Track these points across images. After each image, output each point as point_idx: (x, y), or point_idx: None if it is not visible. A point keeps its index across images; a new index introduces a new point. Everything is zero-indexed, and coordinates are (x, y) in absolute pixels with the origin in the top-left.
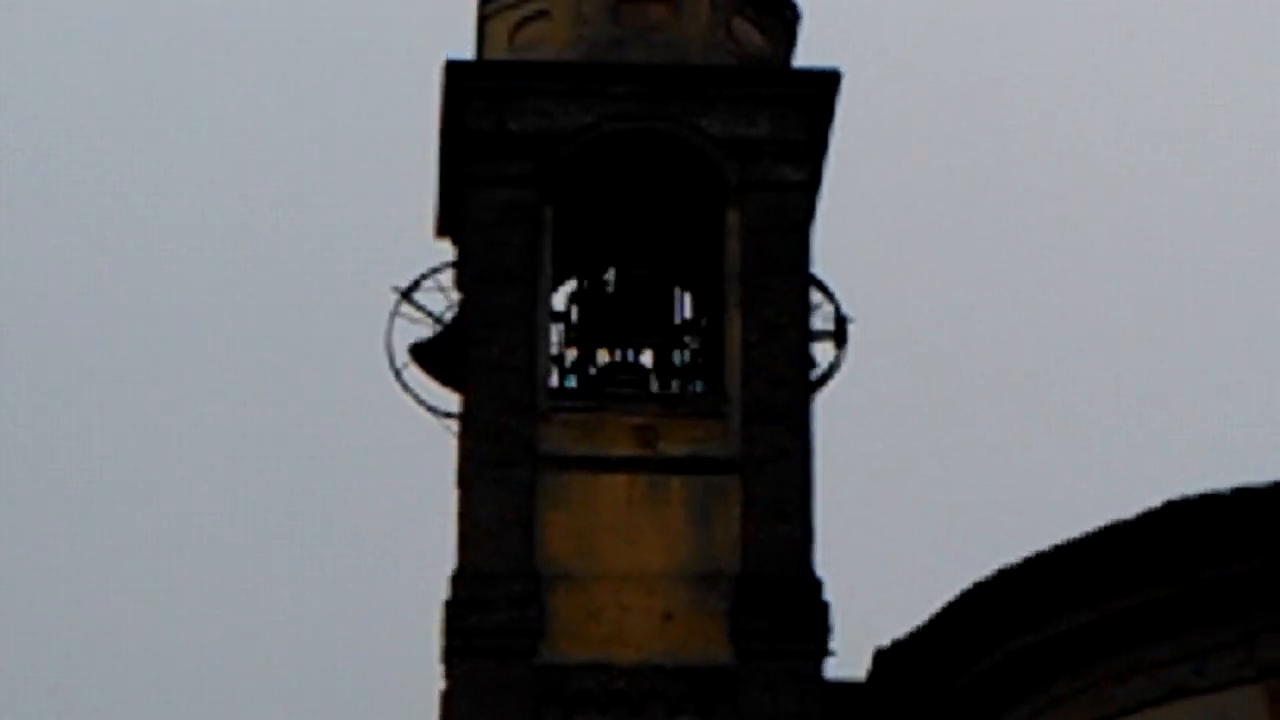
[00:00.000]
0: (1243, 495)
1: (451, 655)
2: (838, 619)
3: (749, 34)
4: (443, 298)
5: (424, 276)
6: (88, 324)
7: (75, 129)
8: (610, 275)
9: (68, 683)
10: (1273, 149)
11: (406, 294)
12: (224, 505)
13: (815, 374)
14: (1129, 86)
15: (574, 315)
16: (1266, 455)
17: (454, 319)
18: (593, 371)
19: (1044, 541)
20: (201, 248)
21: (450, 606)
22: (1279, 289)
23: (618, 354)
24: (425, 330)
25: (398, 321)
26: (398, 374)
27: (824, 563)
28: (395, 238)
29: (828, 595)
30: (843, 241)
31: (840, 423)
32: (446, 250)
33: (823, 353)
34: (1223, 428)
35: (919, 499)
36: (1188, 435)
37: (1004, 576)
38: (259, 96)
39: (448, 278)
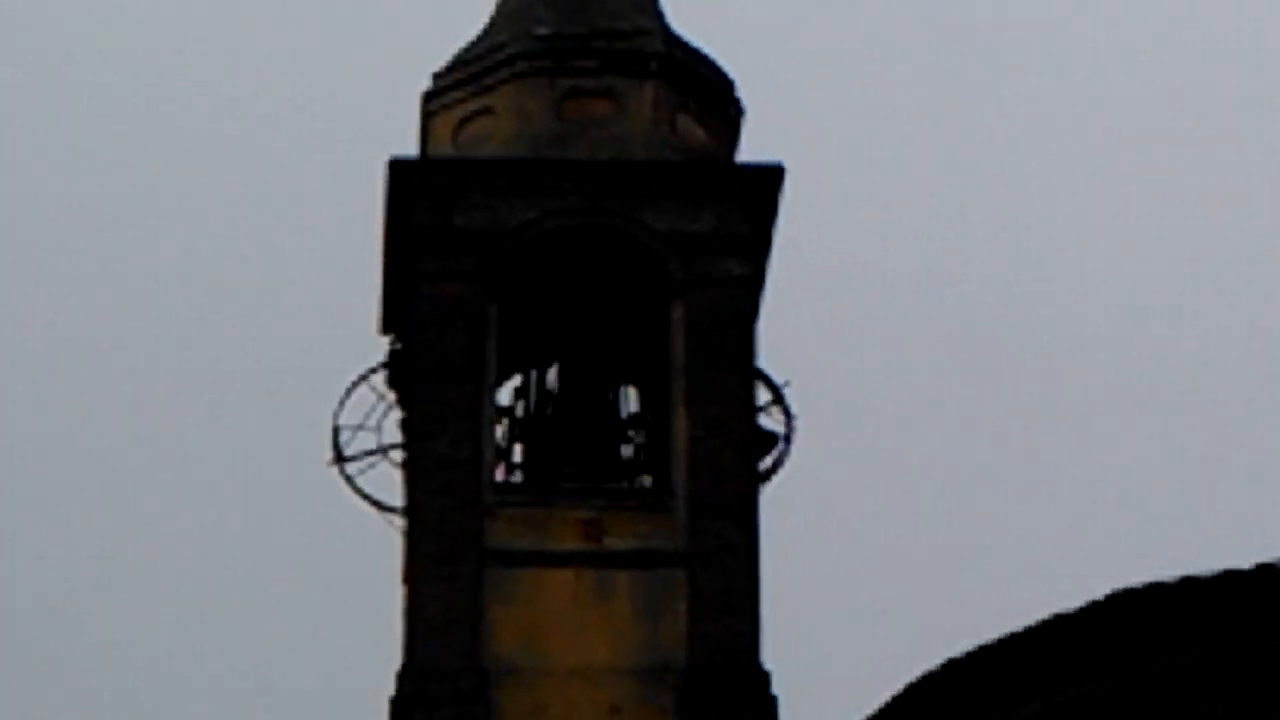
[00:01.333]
0: (1189, 585)
1: None
2: (786, 712)
3: (692, 129)
4: (375, 425)
5: (355, 384)
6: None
7: None
8: (555, 370)
9: None
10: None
11: (339, 458)
12: (175, 605)
13: (762, 467)
14: (1087, 175)
15: (519, 410)
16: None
17: (400, 423)
18: (538, 467)
19: (992, 633)
20: (145, 352)
21: (396, 703)
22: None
23: (563, 450)
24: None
25: (345, 429)
26: (347, 477)
27: (772, 655)
28: (341, 335)
29: (776, 688)
30: (788, 335)
31: (788, 515)
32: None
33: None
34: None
35: (867, 591)
36: (1135, 528)
37: (951, 668)
38: (199, 197)
39: (364, 396)
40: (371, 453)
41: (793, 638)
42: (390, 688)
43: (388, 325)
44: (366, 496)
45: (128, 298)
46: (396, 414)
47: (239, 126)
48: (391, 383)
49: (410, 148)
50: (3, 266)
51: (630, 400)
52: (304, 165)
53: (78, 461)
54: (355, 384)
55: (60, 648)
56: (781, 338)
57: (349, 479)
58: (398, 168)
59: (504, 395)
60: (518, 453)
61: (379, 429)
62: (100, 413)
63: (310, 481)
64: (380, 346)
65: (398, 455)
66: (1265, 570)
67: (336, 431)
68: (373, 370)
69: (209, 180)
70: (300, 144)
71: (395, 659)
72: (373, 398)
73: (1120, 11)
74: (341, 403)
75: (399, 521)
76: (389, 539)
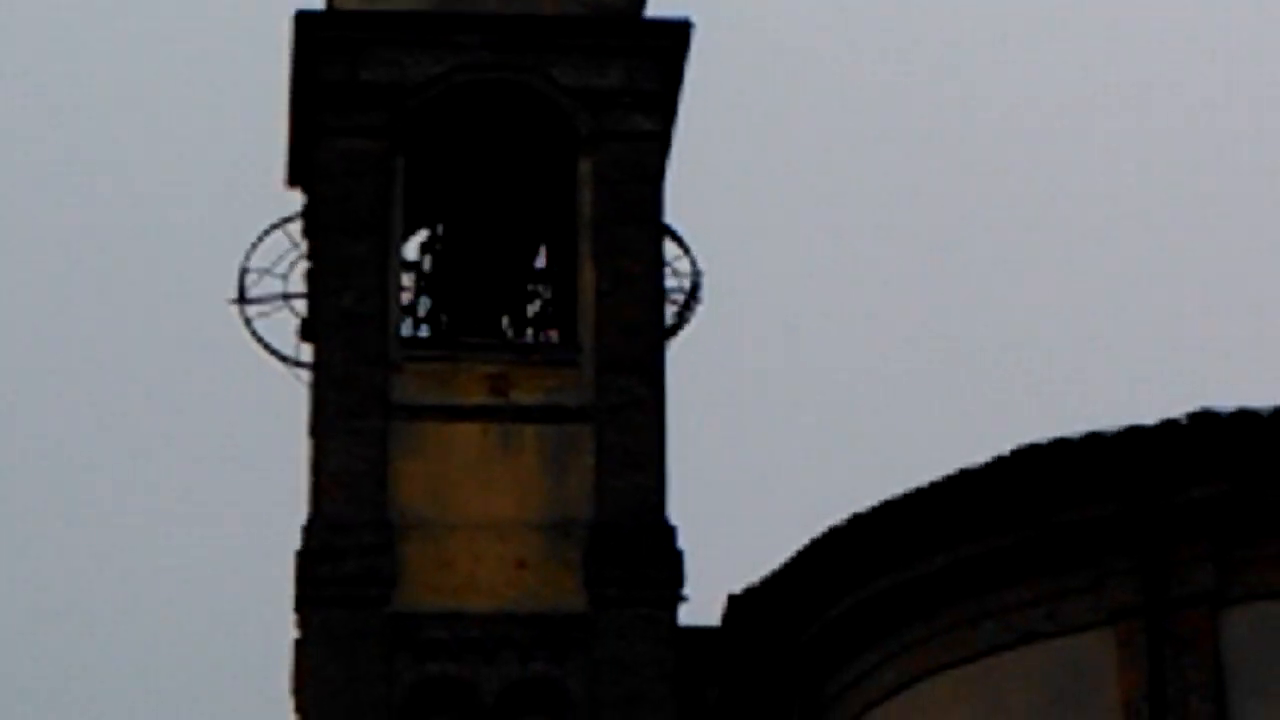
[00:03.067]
0: (1093, 440)
1: (304, 604)
2: (690, 566)
3: None
4: (283, 273)
5: (266, 233)
6: None
7: None
8: (462, 225)
9: None
10: None
11: (241, 299)
12: (91, 458)
13: (668, 322)
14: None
15: (426, 265)
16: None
17: (306, 274)
18: (445, 321)
19: (896, 488)
20: (62, 216)
21: (302, 556)
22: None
23: (470, 303)
24: (278, 286)
25: (252, 280)
26: (252, 330)
27: (677, 510)
28: (249, 188)
29: (681, 543)
30: (696, 194)
31: (694, 372)
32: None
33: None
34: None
35: (772, 447)
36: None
37: (856, 522)
38: (111, 56)
39: (277, 243)
40: (274, 298)
41: (698, 493)
42: (296, 541)
43: (294, 178)
44: (269, 347)
45: (44, 140)
46: (304, 265)
47: None
48: (306, 233)
49: (319, 1)
50: None
51: (538, 255)
52: (213, 15)
53: None
54: (267, 231)
55: None
56: (689, 193)
57: (252, 329)
58: (304, 20)
59: (411, 250)
60: (424, 307)
61: (285, 277)
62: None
63: (218, 331)
64: (291, 200)
65: (301, 306)
66: (1168, 426)
67: (243, 274)
68: (287, 220)
69: (123, 26)
70: None
71: (301, 512)
72: (284, 247)
73: None
74: (253, 247)
75: (305, 375)
76: (296, 393)
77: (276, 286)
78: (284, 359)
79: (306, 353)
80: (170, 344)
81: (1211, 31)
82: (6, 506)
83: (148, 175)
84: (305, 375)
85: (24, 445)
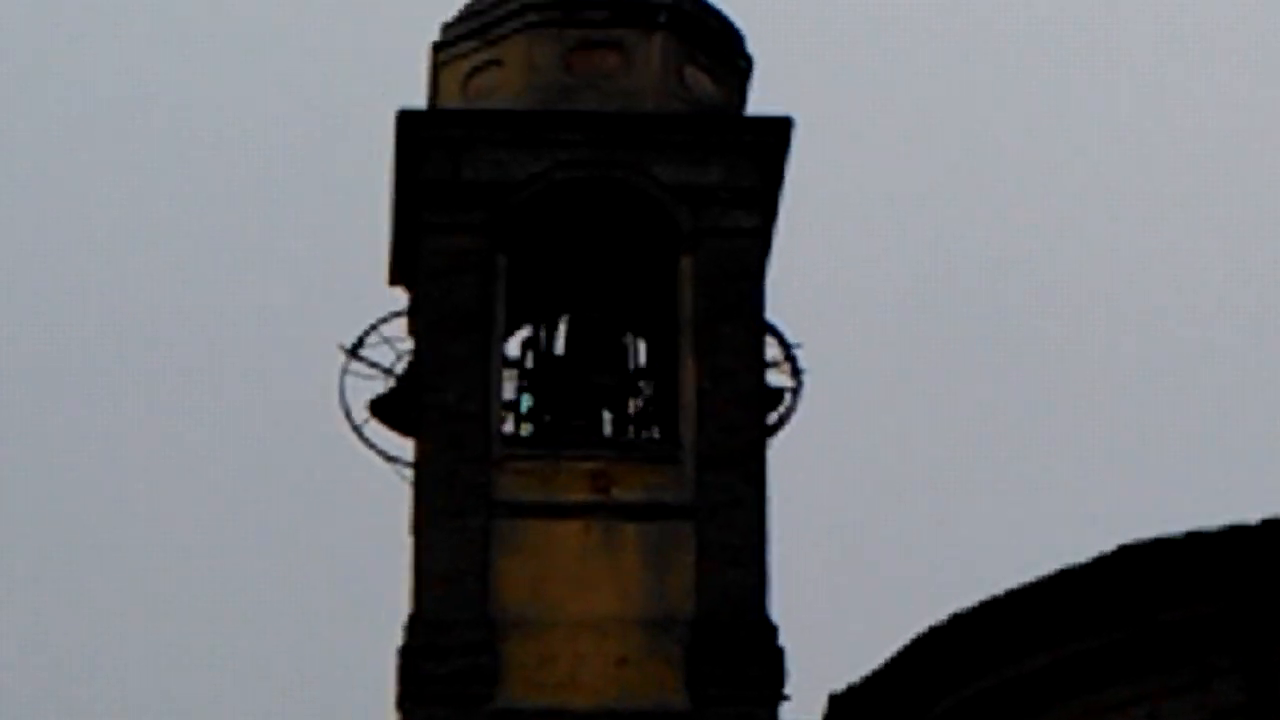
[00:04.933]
0: (1195, 539)
1: (407, 701)
2: (793, 664)
3: (701, 81)
4: (391, 350)
5: (370, 330)
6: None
7: None
8: (564, 322)
9: None
10: None
11: (354, 350)
12: (189, 561)
13: (769, 420)
14: (1091, 137)
15: (528, 362)
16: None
17: (407, 368)
18: (547, 419)
19: (999, 586)
20: (164, 299)
21: (405, 653)
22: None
23: (572, 401)
24: (379, 385)
25: (351, 378)
26: (354, 426)
27: (779, 607)
28: (349, 287)
29: (783, 640)
30: (797, 288)
31: (795, 468)
32: (400, 299)
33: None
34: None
35: (875, 544)
36: (1151, 480)
37: (958, 621)
38: (215, 149)
39: (398, 327)
40: (379, 366)
41: (800, 591)
42: (399, 638)
43: (398, 276)
44: (378, 450)
45: (155, 250)
46: (407, 360)
47: (254, 78)
48: (410, 330)
49: (421, 99)
50: None
51: (639, 352)
52: (317, 116)
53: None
54: (374, 326)
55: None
56: (791, 290)
57: (355, 427)
58: (406, 119)
59: (513, 347)
60: (526, 404)
61: (400, 358)
62: (122, 362)
63: (322, 438)
64: (394, 299)
65: (390, 387)
66: (1270, 525)
67: (369, 330)
68: (395, 314)
69: (232, 131)
70: (313, 94)
71: (404, 610)
72: (396, 339)
73: None
74: (359, 340)
75: (408, 473)
76: (399, 491)
77: (380, 385)
78: (388, 458)
79: (410, 451)
80: (273, 442)
81: None
82: (111, 606)
83: (252, 272)
84: (408, 474)
85: (123, 530)
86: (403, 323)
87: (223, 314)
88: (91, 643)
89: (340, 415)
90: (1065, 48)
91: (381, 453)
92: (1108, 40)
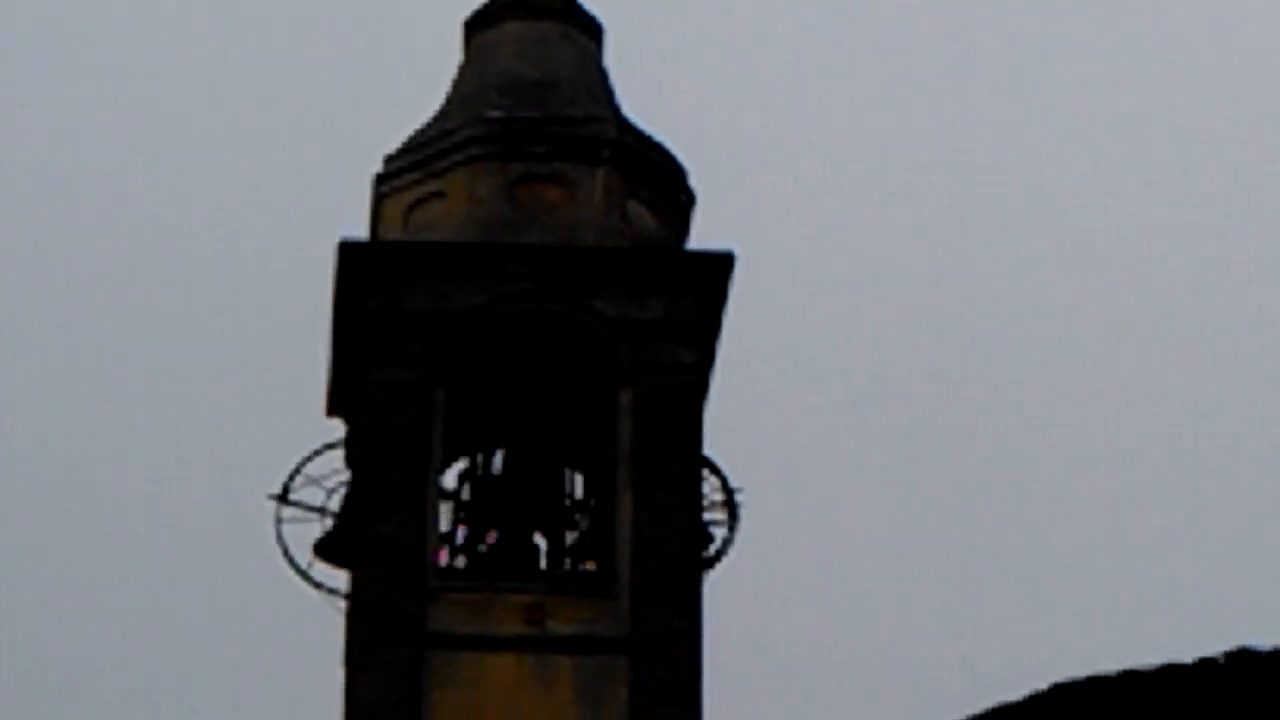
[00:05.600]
0: (1130, 678)
1: None
2: None
3: (643, 216)
4: (319, 489)
5: (296, 472)
6: None
7: None
8: (501, 455)
9: None
10: None
11: (283, 496)
12: (112, 676)
13: (706, 554)
14: (1036, 265)
15: (464, 494)
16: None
17: (344, 501)
18: (482, 550)
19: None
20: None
21: None
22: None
23: (508, 534)
24: (311, 522)
25: (287, 524)
26: (298, 570)
27: None
28: (287, 417)
29: None
30: (735, 420)
31: (731, 603)
32: (323, 435)
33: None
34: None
35: (810, 679)
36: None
37: None
38: (151, 274)
39: (321, 464)
40: (312, 508)
41: None
42: None
43: (336, 407)
44: (307, 576)
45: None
46: (343, 492)
47: (191, 205)
48: (347, 460)
49: (364, 230)
50: None
51: (576, 486)
52: (256, 246)
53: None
54: (309, 457)
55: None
56: (730, 423)
57: (279, 536)
58: (347, 250)
59: (449, 478)
60: (461, 535)
61: (330, 494)
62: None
63: (251, 566)
64: (334, 429)
65: (328, 525)
66: (1205, 664)
67: (293, 474)
68: (329, 446)
69: (161, 259)
70: (252, 224)
71: None
72: (334, 468)
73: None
74: (305, 460)
75: (340, 604)
76: (331, 621)
77: (318, 500)
78: (318, 585)
79: (322, 571)
80: (203, 570)
81: None
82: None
83: (188, 398)
84: (339, 602)
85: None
86: (327, 459)
87: (160, 440)
88: None
89: (281, 559)
90: (1010, 166)
91: (310, 580)
92: (1061, 152)
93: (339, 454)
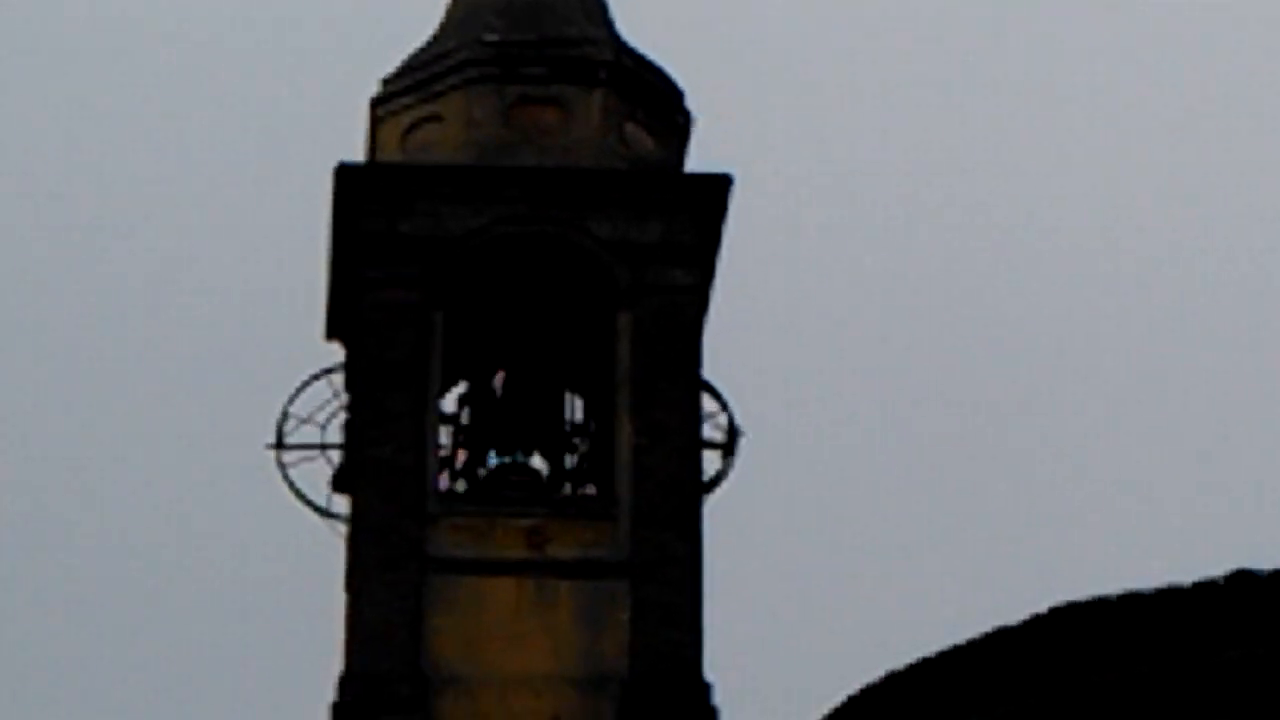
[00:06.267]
0: (1131, 600)
1: None
2: None
3: (640, 138)
4: (314, 426)
5: (285, 417)
6: None
7: None
8: (500, 378)
9: None
10: None
11: (279, 443)
12: (124, 625)
13: (706, 478)
14: (1028, 185)
15: (464, 418)
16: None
17: (344, 426)
18: (482, 474)
19: (934, 646)
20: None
21: (337, 709)
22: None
23: (508, 457)
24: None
25: (289, 461)
26: (286, 477)
27: (713, 667)
28: (286, 339)
29: (717, 699)
30: (735, 344)
31: (731, 527)
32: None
33: (712, 458)
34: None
35: (811, 603)
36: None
37: (891, 680)
38: (157, 196)
39: (310, 397)
40: (311, 447)
41: (734, 649)
42: (331, 694)
43: (334, 330)
44: (305, 499)
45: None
46: (342, 416)
47: (191, 129)
48: (346, 385)
49: (361, 153)
50: None
51: (576, 408)
52: (255, 168)
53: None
54: (307, 382)
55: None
56: (729, 347)
57: (288, 479)
58: (344, 173)
59: (449, 402)
60: (461, 460)
61: (324, 428)
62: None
63: (253, 482)
64: (333, 352)
65: (337, 457)
66: (1205, 586)
67: (282, 421)
68: (328, 370)
69: (168, 180)
70: (251, 147)
71: (337, 665)
72: (326, 398)
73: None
74: (291, 397)
75: (340, 527)
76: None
77: (315, 436)
78: (319, 510)
79: (340, 504)
80: (204, 494)
81: None
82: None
83: (189, 324)
84: (340, 527)
85: (43, 586)
86: (315, 392)
87: (162, 365)
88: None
89: (297, 502)
90: (1020, 107)
91: (312, 504)
92: (1069, 112)
93: (323, 385)
